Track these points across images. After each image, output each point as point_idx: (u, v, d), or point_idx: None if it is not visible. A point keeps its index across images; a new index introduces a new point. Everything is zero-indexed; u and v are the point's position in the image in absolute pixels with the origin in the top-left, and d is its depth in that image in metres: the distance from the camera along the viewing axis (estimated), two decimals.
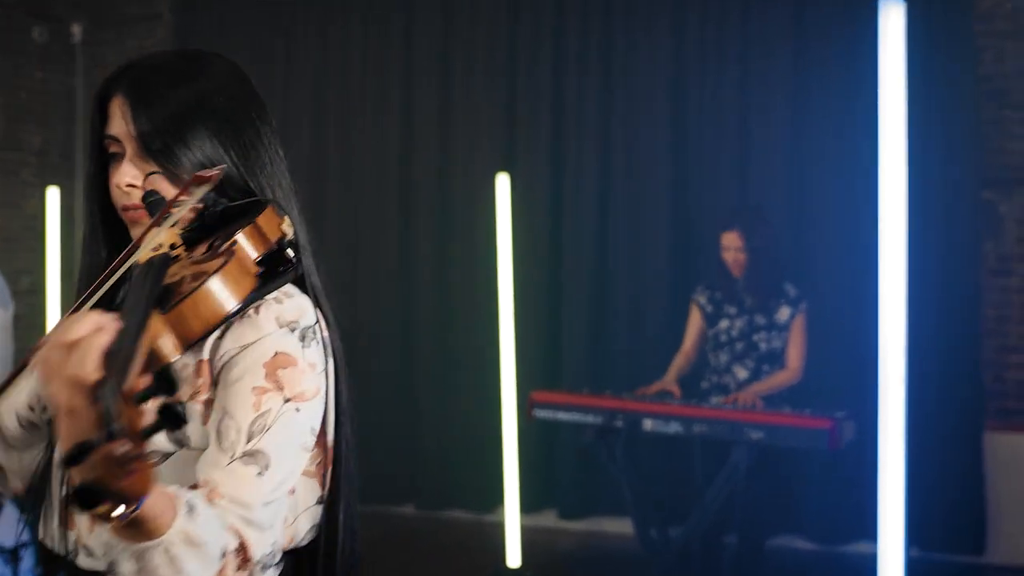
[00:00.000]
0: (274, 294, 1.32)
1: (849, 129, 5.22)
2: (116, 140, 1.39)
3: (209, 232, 1.32)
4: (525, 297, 5.67)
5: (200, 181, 1.31)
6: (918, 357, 5.26)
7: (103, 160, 1.43)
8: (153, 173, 1.37)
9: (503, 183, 4.98)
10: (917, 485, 5.21)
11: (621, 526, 5.21)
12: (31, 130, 6.68)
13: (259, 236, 1.29)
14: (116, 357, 0.97)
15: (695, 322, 4.60)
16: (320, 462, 1.39)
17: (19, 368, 1.40)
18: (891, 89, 1.87)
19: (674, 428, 4.04)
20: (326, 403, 1.36)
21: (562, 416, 4.25)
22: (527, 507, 5.71)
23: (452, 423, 5.93)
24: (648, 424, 4.09)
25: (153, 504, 1.03)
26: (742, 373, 4.43)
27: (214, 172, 1.33)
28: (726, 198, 5.37)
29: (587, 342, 5.67)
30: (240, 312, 1.26)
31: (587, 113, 5.70)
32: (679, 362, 4.54)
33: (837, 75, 5.27)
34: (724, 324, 4.46)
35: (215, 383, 1.29)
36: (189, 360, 1.30)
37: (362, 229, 6.19)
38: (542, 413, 4.30)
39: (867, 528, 5.16)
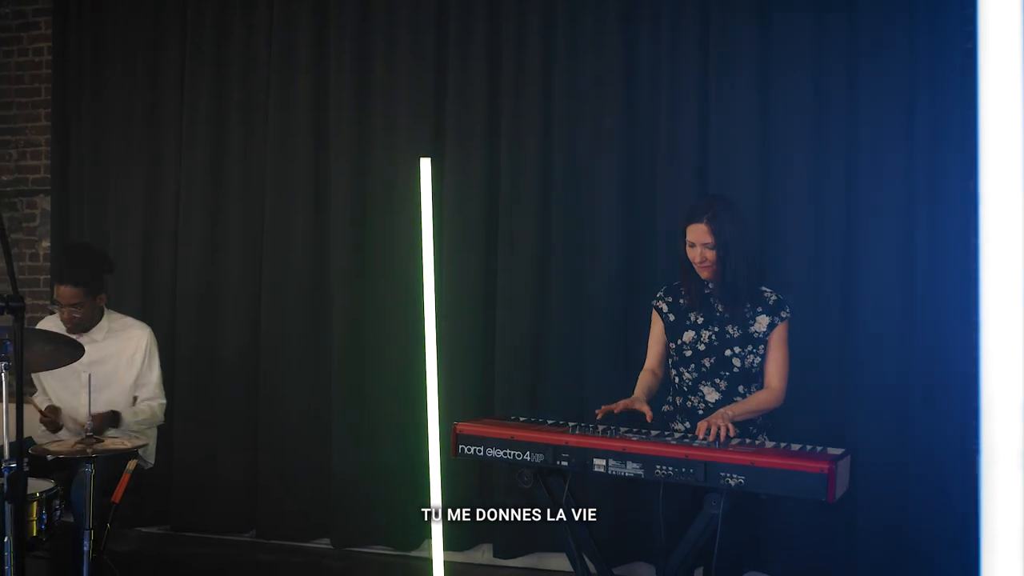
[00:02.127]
0: None
1: (824, 119, 4.35)
2: None
3: None
4: (455, 305, 4.71)
5: None
6: (906, 371, 4.45)
7: None
8: None
9: (426, 169, 4.01)
10: (909, 504, 4.41)
11: (562, 562, 4.26)
12: None
13: None
14: None
15: (658, 332, 3.66)
16: None
17: None
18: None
19: (632, 470, 3.10)
20: None
21: (493, 453, 3.29)
22: (458, 543, 4.77)
23: (372, 448, 4.95)
24: (599, 464, 3.14)
25: None
26: (712, 395, 3.50)
27: None
28: (685, 190, 4.44)
29: (528, 359, 4.72)
30: None
31: (526, 98, 4.73)
32: (645, 381, 3.59)
33: (808, 60, 4.38)
34: (689, 336, 3.53)
35: None
36: None
37: (271, 232, 5.16)
38: (468, 449, 3.33)
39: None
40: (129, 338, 4.42)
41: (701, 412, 3.51)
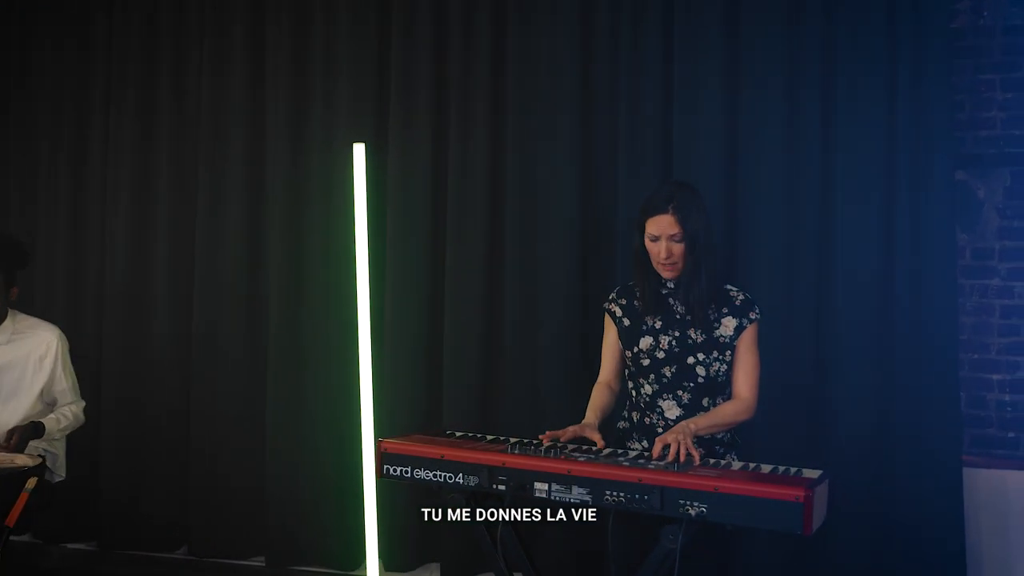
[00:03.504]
0: None
1: (797, 106, 3.89)
2: None
3: None
4: (400, 308, 4.21)
5: None
6: (887, 374, 3.97)
7: None
8: None
9: (359, 155, 3.51)
10: (891, 526, 3.92)
11: None
12: None
13: None
14: None
15: (611, 339, 3.16)
16: None
17: None
18: None
19: (579, 495, 2.60)
20: None
21: (422, 475, 2.78)
22: (403, 563, 4.27)
23: (310, 461, 4.42)
24: (541, 488, 2.64)
25: None
26: (673, 410, 3.01)
27: None
28: (646, 185, 3.95)
29: (477, 367, 4.19)
30: None
31: (476, 78, 4.23)
32: (599, 398, 3.09)
33: (780, 41, 3.91)
34: (646, 342, 3.04)
35: None
36: None
37: (203, 228, 4.62)
38: (394, 470, 2.82)
39: None
40: (37, 341, 3.88)
41: (660, 430, 3.02)
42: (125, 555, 4.73)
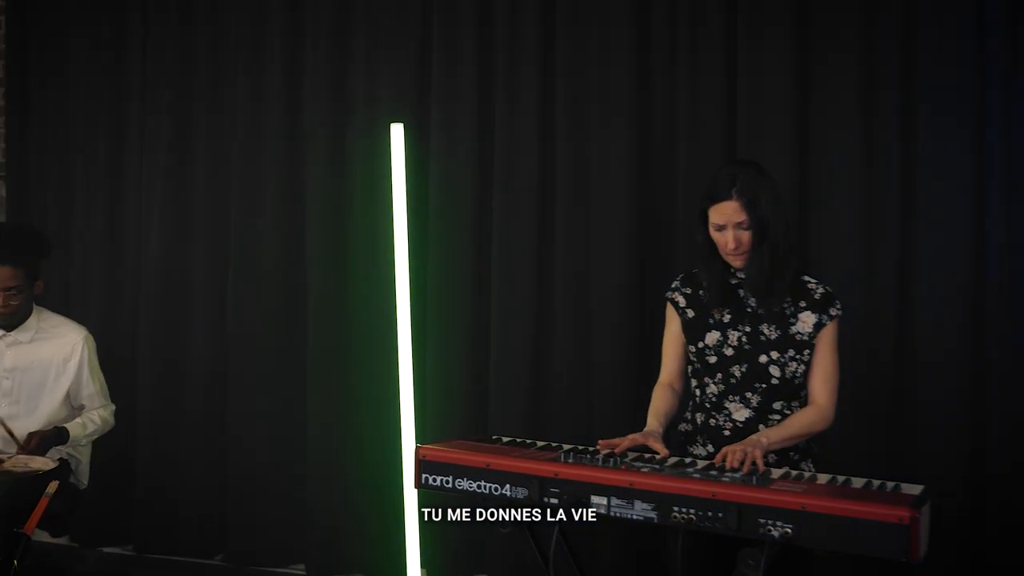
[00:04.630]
0: None
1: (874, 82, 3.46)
2: None
3: None
4: (444, 303, 3.86)
5: None
6: (981, 380, 3.51)
7: None
8: None
9: (398, 136, 3.17)
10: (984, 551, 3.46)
11: None
12: None
13: None
14: None
15: (674, 333, 2.78)
16: None
17: None
18: None
19: (642, 511, 2.22)
20: None
21: (464, 486, 2.42)
22: (449, 573, 3.91)
23: (351, 466, 4.07)
24: (599, 503, 2.27)
25: None
26: (741, 412, 2.62)
27: None
28: (710, 169, 3.55)
29: (527, 367, 3.80)
30: None
31: (524, 55, 3.86)
32: (661, 402, 2.71)
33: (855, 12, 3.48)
34: (713, 338, 2.65)
35: None
36: None
37: (240, 216, 4.30)
38: (434, 479, 2.46)
39: None
40: (62, 342, 3.59)
41: (728, 434, 2.63)
42: (161, 560, 4.43)
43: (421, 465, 2.47)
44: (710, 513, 2.15)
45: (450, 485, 2.43)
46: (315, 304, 4.12)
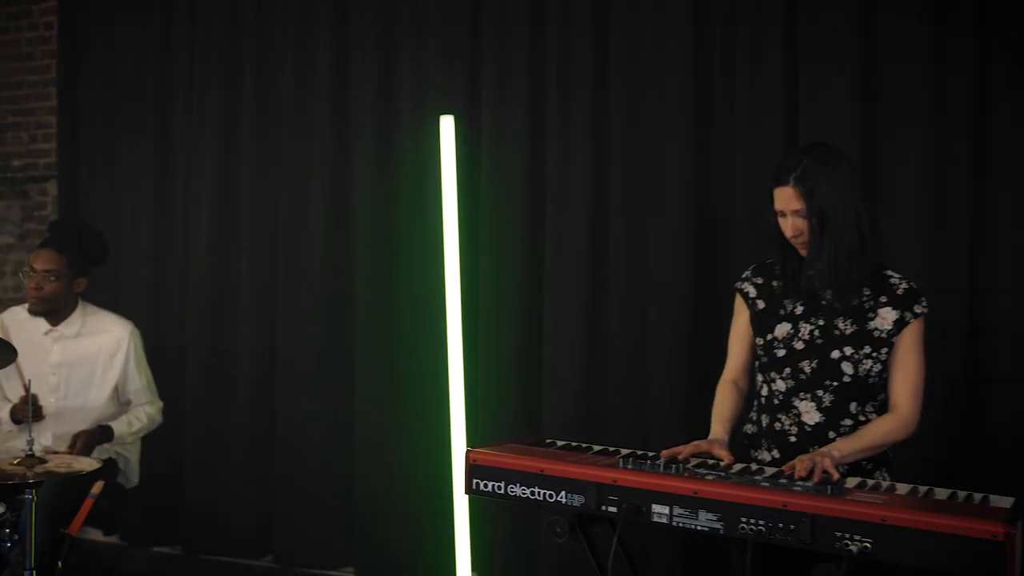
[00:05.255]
0: None
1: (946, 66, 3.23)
2: None
3: None
4: (495, 301, 3.72)
5: None
6: None
7: None
8: None
9: (448, 128, 3.03)
10: None
11: None
12: None
13: None
14: None
15: (742, 326, 2.60)
16: None
17: None
18: None
19: (707, 522, 2.06)
20: None
21: (517, 492, 2.27)
22: None
23: (401, 466, 3.95)
24: (660, 512, 2.11)
25: None
26: (811, 414, 2.44)
27: None
28: (772, 157, 3.37)
29: (580, 367, 3.64)
30: None
31: (577, 46, 3.70)
32: (726, 404, 2.54)
33: None
34: (783, 330, 2.47)
35: None
36: None
37: (288, 215, 4.21)
38: (485, 485, 2.32)
39: None
40: (108, 336, 3.52)
41: (794, 438, 2.45)
42: (209, 560, 4.36)
43: (472, 470, 2.33)
44: (781, 525, 1.98)
45: (502, 491, 2.29)
46: (363, 304, 4.01)
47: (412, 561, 3.95)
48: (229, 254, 4.31)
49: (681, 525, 2.09)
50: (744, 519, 2.02)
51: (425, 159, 3.69)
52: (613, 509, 2.15)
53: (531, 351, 3.72)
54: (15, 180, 4.94)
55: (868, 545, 1.89)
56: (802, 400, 2.45)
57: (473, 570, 3.47)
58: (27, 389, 2.95)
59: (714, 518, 2.05)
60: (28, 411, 2.89)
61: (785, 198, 2.36)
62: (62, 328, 3.48)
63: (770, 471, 2.25)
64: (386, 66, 3.96)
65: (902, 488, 2.14)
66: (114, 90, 4.54)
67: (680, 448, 2.31)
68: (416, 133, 3.81)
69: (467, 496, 2.78)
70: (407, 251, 3.92)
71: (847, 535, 1.91)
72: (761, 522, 2.00)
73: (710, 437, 2.40)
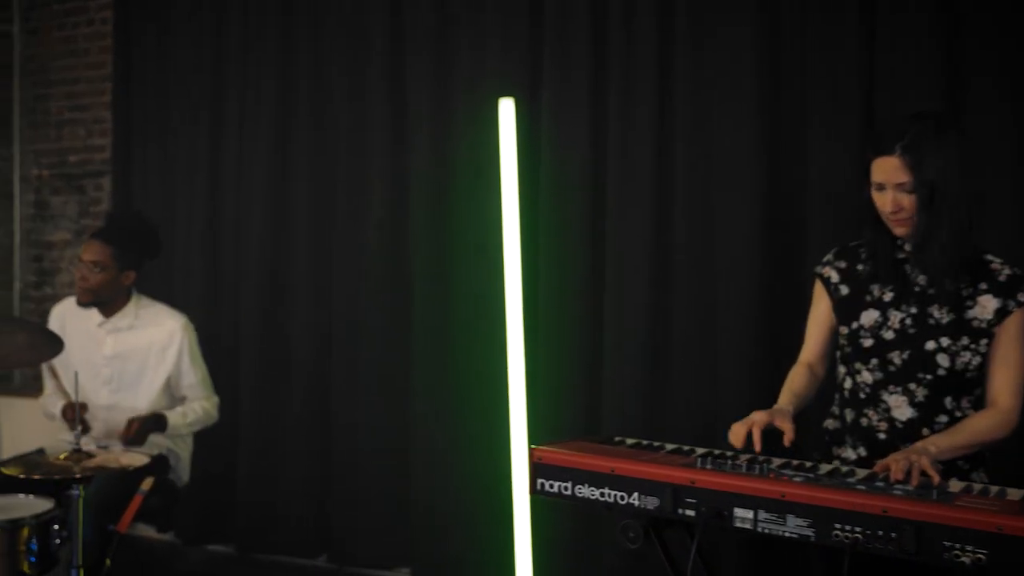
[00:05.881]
0: None
1: None
2: None
3: None
4: (556, 290, 3.53)
5: None
6: None
7: None
8: None
9: (507, 111, 2.86)
10: None
11: None
12: None
13: None
14: None
15: (822, 312, 2.39)
16: None
17: None
18: None
19: (797, 528, 1.86)
20: None
21: (585, 493, 2.09)
22: None
23: (458, 464, 3.79)
24: (743, 516, 1.91)
25: None
26: (902, 409, 2.22)
27: None
28: (845, 136, 3.14)
29: (642, 358, 3.43)
30: None
31: (641, 26, 3.49)
32: (797, 380, 2.35)
33: None
34: (871, 318, 2.26)
35: None
36: None
37: (341, 197, 4.07)
38: (551, 485, 2.14)
39: None
40: (161, 329, 3.41)
41: (883, 436, 2.23)
42: (263, 559, 4.24)
43: (536, 469, 2.15)
44: (880, 532, 1.77)
45: (569, 492, 2.11)
46: (420, 297, 3.86)
47: (470, 561, 3.78)
48: (283, 247, 4.18)
49: (767, 531, 1.89)
50: (838, 525, 1.81)
51: (483, 144, 3.52)
52: (691, 512, 1.96)
53: (592, 345, 3.52)
54: (72, 176, 4.88)
55: (983, 556, 1.68)
56: (892, 394, 2.23)
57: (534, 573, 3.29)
58: (75, 397, 2.85)
59: (804, 524, 1.85)
60: (76, 419, 2.81)
61: (888, 169, 2.14)
62: (115, 320, 3.38)
63: (862, 472, 2.04)
64: (443, 47, 3.80)
65: (1014, 494, 1.91)
66: (168, 84, 4.45)
67: (747, 420, 2.12)
68: (473, 118, 3.63)
69: (531, 496, 2.59)
70: (465, 241, 3.75)
71: (957, 545, 1.70)
72: (858, 529, 1.79)
73: (775, 407, 2.21)
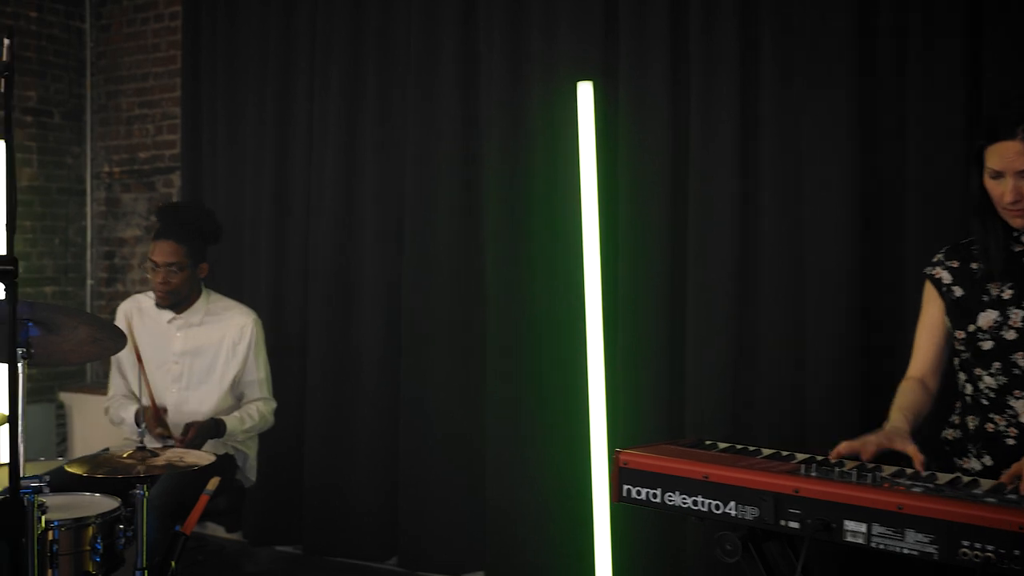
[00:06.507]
0: None
1: None
2: None
3: None
4: (634, 285, 3.35)
5: None
6: None
7: None
8: None
9: (586, 95, 2.70)
10: None
11: None
12: (25, 83, 4.76)
13: None
14: None
15: (933, 317, 2.19)
16: None
17: None
18: None
19: (917, 544, 1.66)
20: None
21: (676, 501, 1.91)
22: None
23: (534, 464, 3.62)
24: (855, 530, 1.72)
25: None
26: None
27: None
28: (945, 119, 2.90)
29: (728, 356, 3.23)
30: None
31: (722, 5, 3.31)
32: (909, 395, 2.14)
33: None
34: (989, 319, 2.05)
35: None
36: None
37: (411, 189, 3.94)
38: (637, 491, 1.97)
39: None
40: (231, 324, 3.32)
41: (1012, 441, 2.02)
42: (331, 562, 4.13)
43: (622, 474, 1.98)
44: (1017, 552, 1.57)
45: (658, 500, 1.93)
46: (493, 292, 3.71)
47: (546, 567, 3.61)
48: (352, 242, 4.07)
49: (882, 547, 1.70)
50: (967, 543, 1.61)
51: (559, 132, 3.35)
52: (795, 524, 1.77)
53: (673, 341, 3.33)
54: (142, 172, 4.85)
55: None
56: (1019, 399, 2.01)
57: None
58: (153, 403, 2.77)
59: (926, 540, 1.65)
60: (153, 421, 2.73)
61: (1008, 155, 1.93)
62: (186, 316, 3.30)
63: (987, 483, 1.83)
64: (517, 28, 3.63)
65: None
66: (236, 79, 4.38)
67: (859, 443, 1.92)
68: (548, 104, 3.47)
69: (613, 503, 2.43)
70: (540, 234, 3.58)
71: None
72: (990, 547, 1.59)
73: (888, 428, 2.01)
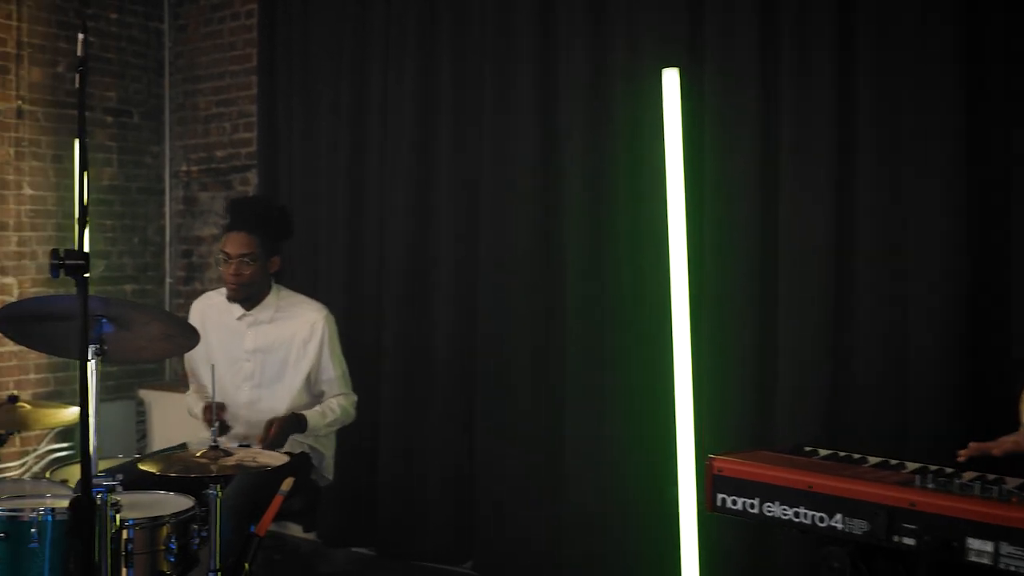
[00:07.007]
0: None
1: None
2: None
3: None
4: (723, 285, 3.18)
5: None
6: None
7: None
8: None
9: (672, 82, 2.55)
10: None
11: None
12: (105, 84, 4.79)
13: None
14: None
15: None
16: None
17: None
18: None
19: None
20: None
21: (775, 512, 1.76)
22: None
23: (612, 470, 3.48)
24: (980, 548, 1.56)
25: None
26: None
27: None
28: None
29: (821, 359, 3.04)
30: None
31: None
32: None
33: None
34: None
35: None
36: None
37: (487, 184, 3.84)
38: (733, 502, 1.83)
39: None
40: (302, 321, 3.24)
41: None
42: (404, 564, 4.06)
43: (717, 483, 1.84)
44: None
45: (755, 510, 1.79)
46: (573, 292, 3.57)
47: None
48: (427, 239, 3.98)
49: (1012, 568, 1.53)
50: None
51: (641, 119, 3.21)
52: (910, 541, 1.61)
53: (764, 342, 3.15)
54: (219, 170, 4.85)
55: None
56: None
57: None
58: (213, 392, 2.72)
59: None
60: (212, 418, 2.68)
61: None
62: (256, 313, 3.24)
63: None
64: (599, 16, 3.50)
65: None
66: (311, 75, 4.33)
67: (994, 443, 1.74)
68: (631, 93, 3.33)
69: (705, 513, 2.28)
70: (623, 235, 3.44)
71: None
72: None
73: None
